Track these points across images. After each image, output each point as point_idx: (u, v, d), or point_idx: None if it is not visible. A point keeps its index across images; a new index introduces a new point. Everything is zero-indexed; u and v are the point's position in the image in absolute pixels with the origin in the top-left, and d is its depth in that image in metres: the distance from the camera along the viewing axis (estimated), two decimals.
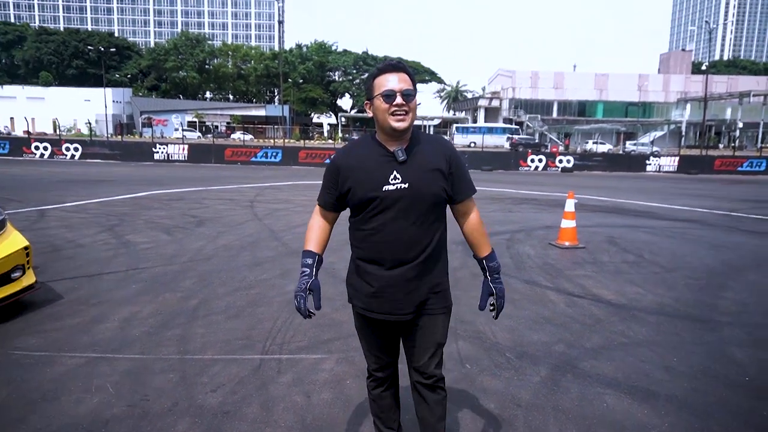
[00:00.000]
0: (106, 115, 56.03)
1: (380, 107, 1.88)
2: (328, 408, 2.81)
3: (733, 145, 47.94)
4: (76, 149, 26.58)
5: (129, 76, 75.76)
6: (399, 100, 1.85)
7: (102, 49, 68.36)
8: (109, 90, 61.86)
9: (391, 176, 1.89)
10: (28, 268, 4.24)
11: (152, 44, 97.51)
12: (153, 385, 3.01)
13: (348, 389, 3.03)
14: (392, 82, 1.86)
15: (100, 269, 5.49)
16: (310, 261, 2.04)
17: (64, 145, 26.66)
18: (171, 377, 3.11)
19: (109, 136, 39.23)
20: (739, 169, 28.10)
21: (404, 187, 1.88)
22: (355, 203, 1.95)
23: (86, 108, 61.98)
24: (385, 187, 1.88)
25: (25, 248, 4.18)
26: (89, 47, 72.02)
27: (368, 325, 2.10)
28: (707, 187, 19.31)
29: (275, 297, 4.70)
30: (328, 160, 20.65)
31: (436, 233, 1.97)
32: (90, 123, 35.54)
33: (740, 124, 57.20)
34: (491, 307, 2.11)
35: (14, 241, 4.16)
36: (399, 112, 1.86)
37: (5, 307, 3.98)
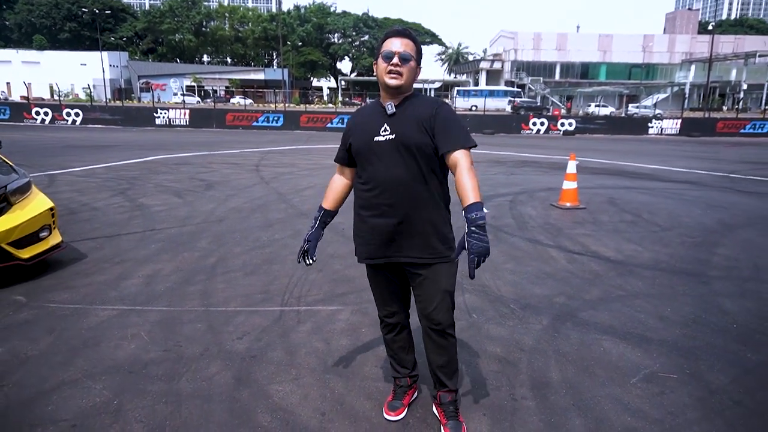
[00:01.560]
0: (104, 79, 55.30)
1: (380, 66, 2.09)
2: (346, 352, 3.06)
3: (736, 107, 47.54)
4: (77, 114, 26.51)
5: (124, 39, 74.38)
6: (395, 60, 2.04)
7: (96, 11, 66.93)
8: (105, 54, 60.86)
9: (382, 128, 2.09)
10: (54, 228, 4.45)
11: (147, 6, 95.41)
12: (183, 333, 3.25)
13: (364, 336, 3.27)
14: (394, 45, 2.06)
15: (118, 231, 5.71)
16: (316, 214, 2.40)
17: (65, 110, 26.59)
18: (199, 327, 3.35)
19: (107, 101, 38.93)
20: (742, 131, 28.03)
21: (391, 138, 2.07)
22: (353, 154, 2.21)
23: (83, 72, 61.13)
24: (376, 138, 2.10)
25: (51, 209, 4.37)
26: (83, 9, 70.50)
27: (375, 273, 2.31)
28: (708, 149, 19.37)
29: (288, 255, 4.92)
30: (330, 125, 20.69)
31: (428, 184, 2.11)
32: (89, 87, 35.11)
33: (745, 86, 56.58)
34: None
35: (40, 202, 4.35)
36: (394, 71, 2.05)
37: (35, 264, 4.20)
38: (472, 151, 2.07)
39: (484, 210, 1.94)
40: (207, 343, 3.12)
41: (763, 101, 55.10)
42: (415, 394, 2.59)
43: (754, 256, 5.10)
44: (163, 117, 26.81)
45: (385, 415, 2.42)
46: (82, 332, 3.24)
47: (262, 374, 2.78)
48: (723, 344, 3.22)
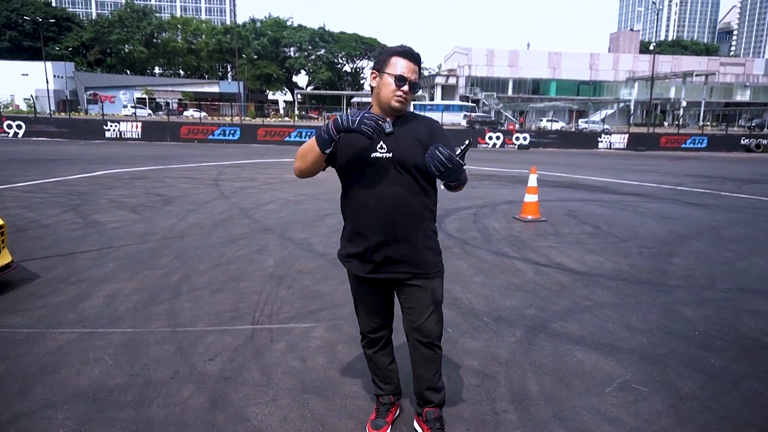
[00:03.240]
0: (48, 90, 53.00)
1: (388, 85, 2.04)
2: (324, 371, 2.99)
3: (677, 123, 50.18)
4: (19, 127, 25.24)
5: (70, 49, 71.66)
6: (407, 87, 2.04)
7: (39, 19, 64.24)
8: (49, 64, 58.43)
9: (378, 146, 2.06)
10: (3, 247, 4.18)
11: (94, 15, 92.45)
12: (150, 355, 3.10)
13: (340, 354, 3.21)
14: (408, 69, 2.03)
15: (72, 248, 5.43)
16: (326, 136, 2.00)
17: (5, 122, 25.24)
18: (167, 348, 3.21)
19: (51, 112, 37.21)
20: (683, 145, 29.56)
21: (389, 156, 2.05)
22: (345, 167, 2.12)
23: (24, 83, 58.41)
24: (373, 155, 2.06)
25: (0, 227, 4.12)
26: (24, 17, 67.57)
27: (362, 287, 2.27)
28: (655, 163, 20.31)
29: (256, 272, 4.81)
30: (288, 138, 20.36)
31: (422, 200, 2.13)
32: (32, 98, 33.44)
33: (684, 103, 59.84)
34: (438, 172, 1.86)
35: None
36: (402, 98, 2.05)
37: None
38: None
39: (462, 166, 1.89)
40: (177, 366, 2.98)
41: (701, 117, 58.46)
42: (398, 411, 2.55)
43: (707, 266, 5.34)
44: (114, 130, 25.89)
45: None
46: (40, 358, 3.04)
47: (237, 396, 2.68)
48: (687, 351, 3.34)
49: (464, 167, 1.89)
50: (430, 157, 1.84)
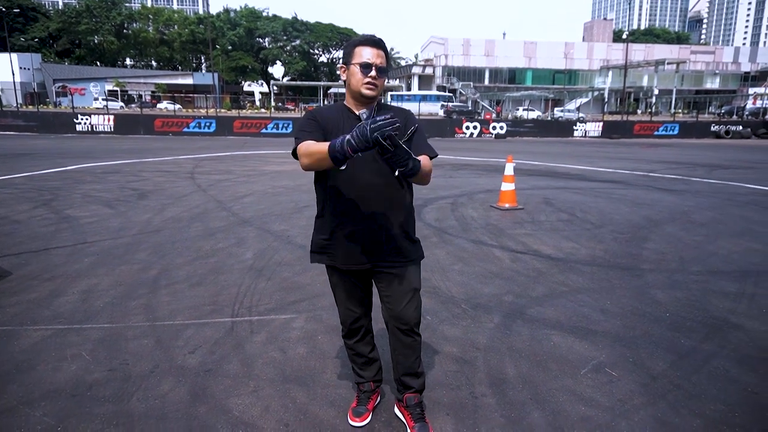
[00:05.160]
0: (14, 82, 51.39)
1: (356, 74, 2.06)
2: (304, 361, 3.01)
3: (650, 110, 51.08)
4: None
5: (36, 39, 69.54)
6: (374, 73, 2.04)
7: (2, 9, 62.12)
8: (14, 55, 56.62)
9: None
10: None
11: (61, 5, 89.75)
12: (129, 350, 3.08)
13: (321, 344, 3.23)
14: (370, 55, 2.04)
15: (45, 244, 5.32)
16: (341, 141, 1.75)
17: None
18: (146, 342, 3.18)
19: (18, 105, 36.12)
20: (656, 133, 30.16)
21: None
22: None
23: None
24: None
25: None
26: None
27: (341, 278, 2.29)
28: (628, 150, 20.68)
29: (235, 265, 4.78)
30: (264, 130, 20.21)
31: (400, 190, 2.17)
32: None
33: (656, 91, 60.95)
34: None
35: None
36: (371, 84, 2.06)
37: None
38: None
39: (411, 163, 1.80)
40: (156, 360, 2.97)
41: (673, 105, 59.60)
42: (379, 398, 2.59)
43: (679, 249, 5.48)
44: (85, 123, 25.33)
45: (350, 422, 2.40)
46: (14, 355, 2.99)
47: (218, 388, 2.68)
48: (659, 332, 3.44)
49: (410, 154, 1.78)
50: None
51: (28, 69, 61.11)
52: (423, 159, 2.01)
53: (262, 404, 2.55)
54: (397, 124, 1.66)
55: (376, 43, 2.07)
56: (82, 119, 25.43)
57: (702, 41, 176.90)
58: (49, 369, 2.84)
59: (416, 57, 78.67)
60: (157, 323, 3.47)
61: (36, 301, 3.82)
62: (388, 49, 2.17)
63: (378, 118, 1.65)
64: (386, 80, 2.16)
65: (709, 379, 2.84)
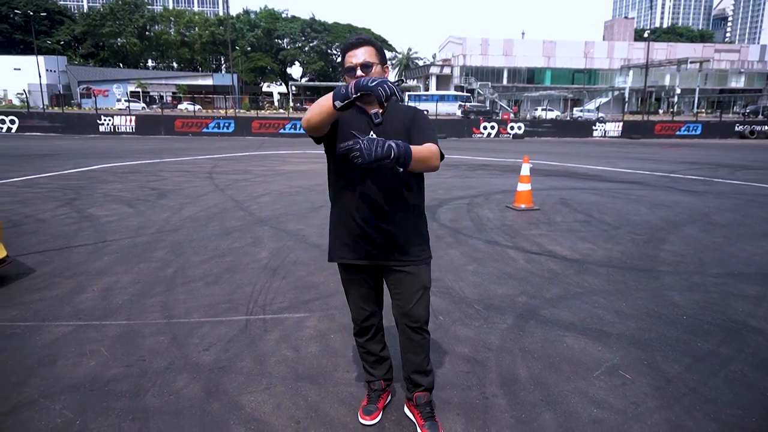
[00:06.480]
0: (40, 84, 52.46)
1: (348, 80, 2.07)
2: (317, 359, 3.04)
3: (671, 110, 50.23)
4: (12, 122, 25.14)
5: (62, 42, 71.03)
6: (359, 72, 2.05)
7: (30, 13, 63.55)
8: (41, 58, 57.98)
9: (370, 135, 2.09)
10: None
11: (86, 8, 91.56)
12: (146, 347, 3.14)
13: (333, 343, 3.25)
14: (353, 57, 2.06)
15: (67, 243, 5.45)
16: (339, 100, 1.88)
17: None
18: (162, 339, 3.25)
19: (44, 107, 36.96)
20: (678, 133, 29.63)
21: None
22: (339, 154, 2.05)
23: (17, 77, 58.05)
24: None
25: None
26: (15, 11, 66.81)
27: (352, 275, 2.31)
28: (649, 150, 20.37)
29: (250, 264, 4.84)
30: (282, 130, 20.35)
31: (411, 189, 2.20)
32: (26, 93, 33.26)
33: (678, 90, 59.91)
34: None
35: None
36: None
37: None
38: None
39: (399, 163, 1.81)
40: (172, 356, 3.02)
41: (695, 104, 58.53)
42: (389, 397, 2.60)
43: (698, 252, 5.40)
44: (108, 124, 25.81)
45: (361, 420, 2.42)
46: (36, 350, 3.07)
47: (231, 385, 2.72)
48: (675, 335, 3.40)
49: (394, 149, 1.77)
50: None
51: (54, 71, 62.50)
52: (424, 146, 1.96)
53: (274, 401, 2.58)
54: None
55: (353, 44, 2.08)
56: (104, 120, 25.92)
57: (726, 39, 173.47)
58: (69, 364, 2.92)
59: (434, 57, 78.40)
60: (173, 320, 3.54)
61: (58, 298, 3.91)
62: (390, 45, 2.18)
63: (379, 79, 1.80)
64: (385, 69, 2.13)
65: (726, 383, 2.80)
